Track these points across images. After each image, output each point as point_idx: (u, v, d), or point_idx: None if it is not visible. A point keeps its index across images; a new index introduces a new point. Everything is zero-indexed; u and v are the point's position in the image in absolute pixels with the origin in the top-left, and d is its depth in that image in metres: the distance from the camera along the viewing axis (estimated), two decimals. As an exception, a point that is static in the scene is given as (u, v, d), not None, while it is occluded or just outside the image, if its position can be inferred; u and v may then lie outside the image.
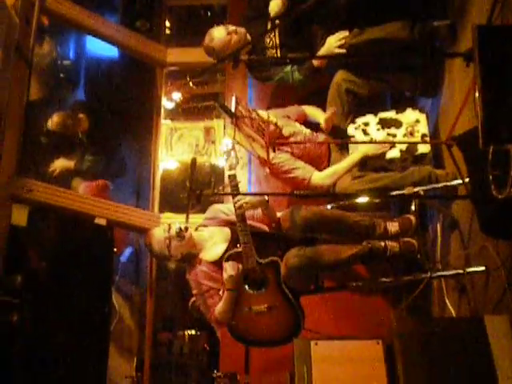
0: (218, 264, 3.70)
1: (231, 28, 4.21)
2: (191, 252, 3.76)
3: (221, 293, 3.65)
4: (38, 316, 4.20)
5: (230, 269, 3.57)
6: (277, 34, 4.30)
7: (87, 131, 5.40)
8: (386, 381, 3.02)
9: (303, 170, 3.94)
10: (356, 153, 3.94)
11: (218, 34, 4.20)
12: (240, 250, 3.63)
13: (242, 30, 4.29)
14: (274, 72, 4.30)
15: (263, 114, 3.93)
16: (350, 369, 3.09)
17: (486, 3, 3.11)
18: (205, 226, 3.91)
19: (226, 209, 3.93)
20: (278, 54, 4.27)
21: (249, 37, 4.31)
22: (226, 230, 3.82)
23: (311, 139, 4.12)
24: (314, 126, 4.23)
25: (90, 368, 4.42)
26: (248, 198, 3.66)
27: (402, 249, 3.63)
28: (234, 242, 3.72)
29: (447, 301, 3.72)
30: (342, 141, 3.95)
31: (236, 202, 3.64)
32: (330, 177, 3.90)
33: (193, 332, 5.48)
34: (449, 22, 3.78)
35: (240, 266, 3.59)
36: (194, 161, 3.50)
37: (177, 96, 5.54)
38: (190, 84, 5.78)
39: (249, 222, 3.69)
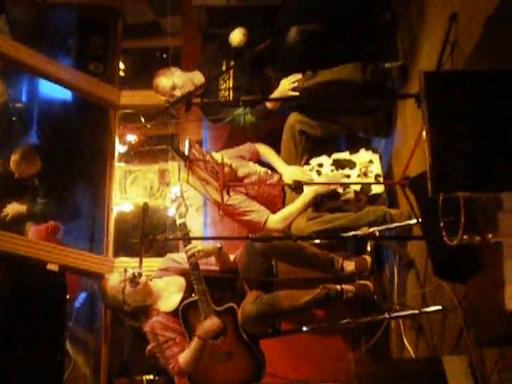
0: (174, 314, 3.61)
1: (176, 82, 4.20)
2: (145, 302, 3.64)
3: (177, 340, 3.56)
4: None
5: (212, 321, 3.50)
6: (231, 76, 4.31)
7: (40, 174, 5.32)
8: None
9: (258, 214, 3.90)
10: (307, 192, 3.92)
11: (162, 84, 4.26)
12: (196, 298, 3.57)
13: (193, 77, 4.31)
14: (225, 114, 4.29)
15: (217, 155, 3.91)
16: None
17: (436, 44, 3.16)
18: (159, 277, 3.81)
19: (178, 258, 3.87)
20: (231, 96, 4.28)
21: (202, 79, 4.32)
22: (181, 280, 3.75)
23: (266, 180, 4.10)
24: (267, 165, 4.23)
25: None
26: (201, 247, 3.62)
27: (357, 292, 3.62)
28: (189, 290, 3.64)
29: (405, 341, 3.72)
30: (295, 183, 3.93)
31: (188, 251, 3.60)
32: (285, 220, 3.87)
33: (151, 377, 5.37)
34: (400, 63, 3.84)
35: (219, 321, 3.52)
36: (145, 206, 3.43)
37: (131, 138, 5.50)
38: (145, 126, 5.76)
39: (203, 267, 3.65)
